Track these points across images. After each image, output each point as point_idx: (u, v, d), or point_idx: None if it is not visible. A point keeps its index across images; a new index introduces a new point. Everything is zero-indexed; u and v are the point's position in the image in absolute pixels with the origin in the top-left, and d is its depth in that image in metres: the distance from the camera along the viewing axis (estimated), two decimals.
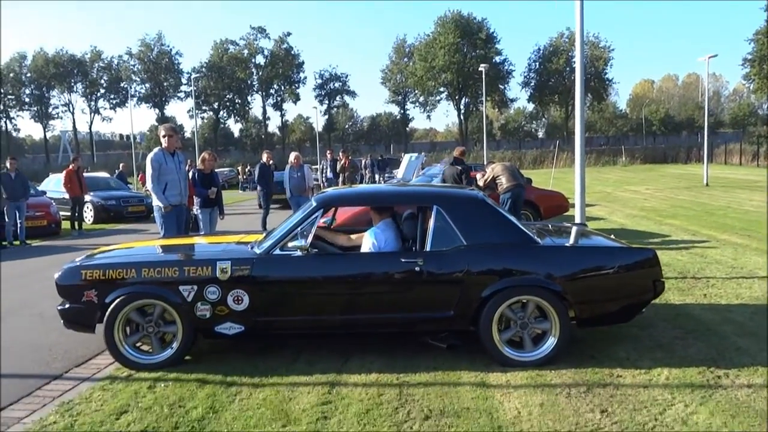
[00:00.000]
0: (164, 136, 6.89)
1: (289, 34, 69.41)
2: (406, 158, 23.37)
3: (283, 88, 70.50)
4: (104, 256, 4.85)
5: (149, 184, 6.86)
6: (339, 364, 4.37)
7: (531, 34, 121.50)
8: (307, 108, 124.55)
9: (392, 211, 4.92)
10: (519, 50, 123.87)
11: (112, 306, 4.27)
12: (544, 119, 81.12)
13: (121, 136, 79.63)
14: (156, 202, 6.84)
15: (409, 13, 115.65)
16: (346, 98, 74.66)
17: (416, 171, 20.37)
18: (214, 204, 8.38)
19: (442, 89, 64.08)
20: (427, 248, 4.35)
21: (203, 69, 64.99)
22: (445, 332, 4.55)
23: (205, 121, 70.58)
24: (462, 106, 65.78)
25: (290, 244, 4.34)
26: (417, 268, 4.23)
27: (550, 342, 4.21)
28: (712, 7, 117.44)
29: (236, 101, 69.69)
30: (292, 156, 12.01)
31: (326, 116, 72.86)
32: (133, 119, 77.59)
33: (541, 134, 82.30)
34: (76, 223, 13.80)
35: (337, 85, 72.79)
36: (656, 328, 4.94)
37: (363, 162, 29.95)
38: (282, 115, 73.51)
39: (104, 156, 67.80)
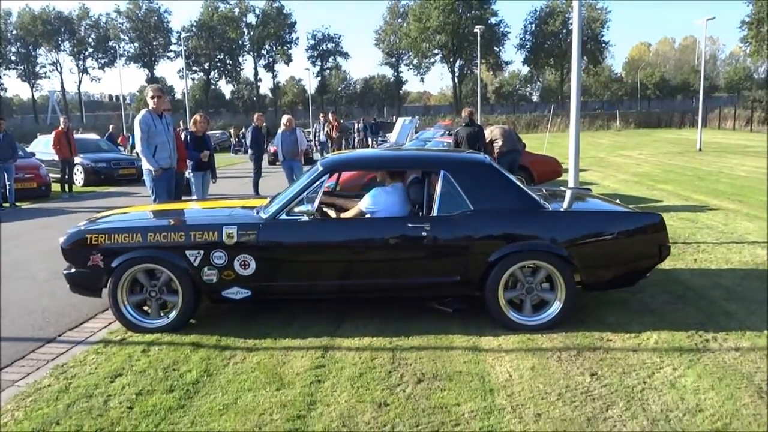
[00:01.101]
0: (152, 98, 6.75)
1: None
2: (399, 122, 23.14)
3: (275, 48, 69.27)
4: (109, 221, 4.81)
5: (138, 147, 6.75)
6: (332, 328, 4.40)
7: None
8: (300, 70, 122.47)
9: (403, 176, 4.91)
10: (515, 11, 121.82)
11: (117, 268, 4.28)
12: (538, 83, 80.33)
13: (110, 96, 78.46)
14: (146, 166, 6.75)
15: None
16: (339, 60, 73.65)
17: (410, 135, 20.19)
18: (206, 167, 8.30)
19: (436, 51, 63.22)
20: (434, 213, 4.33)
21: (193, 28, 63.63)
22: (450, 297, 4.58)
23: (196, 82, 69.48)
24: (456, 69, 65.01)
25: (296, 209, 4.31)
26: (424, 233, 4.22)
27: (556, 306, 4.25)
28: None
29: (227, 62, 68.49)
30: (285, 119, 11.84)
31: (319, 78, 71.85)
32: (122, 79, 76.54)
33: (535, 98, 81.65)
34: (66, 186, 13.69)
35: (330, 46, 71.62)
36: (646, 293, 4.99)
37: (356, 125, 29.73)
38: (274, 77, 72.46)
39: (93, 117, 66.84)
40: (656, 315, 4.48)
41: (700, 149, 22.22)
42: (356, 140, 29.73)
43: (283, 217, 4.35)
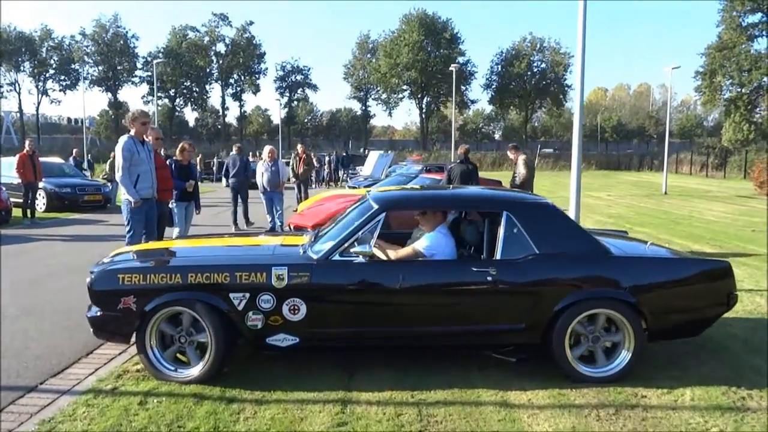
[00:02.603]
0: (143, 123, 6.37)
1: (251, 23, 68.19)
2: (373, 155, 23.15)
3: (243, 78, 69.20)
4: (141, 259, 4.37)
5: (119, 176, 6.31)
6: (345, 378, 4.08)
7: (494, 38, 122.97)
8: (267, 100, 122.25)
9: (446, 215, 4.63)
10: (482, 52, 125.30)
11: (150, 312, 3.89)
12: (501, 122, 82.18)
13: (69, 119, 76.48)
14: (125, 196, 6.33)
15: (373, 9, 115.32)
16: (308, 91, 73.95)
17: (385, 169, 20.15)
18: (190, 198, 7.92)
19: (405, 87, 64.19)
20: (498, 256, 4.08)
21: (160, 54, 63.01)
22: (511, 346, 4.26)
23: (160, 108, 68.51)
24: (424, 105, 66.02)
25: (352, 250, 3.96)
26: (489, 278, 3.96)
27: (623, 356, 4.04)
28: (665, 20, 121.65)
29: (194, 89, 67.88)
30: (267, 150, 11.60)
31: (286, 109, 71.82)
32: (84, 103, 74.41)
33: (497, 136, 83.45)
34: (28, 211, 12.96)
35: (298, 77, 71.91)
36: (663, 344, 4.80)
37: (327, 158, 29.58)
38: (241, 106, 72.17)
39: (50, 140, 64.90)
40: (682, 368, 4.31)
41: (665, 192, 22.82)
42: (326, 173, 29.57)
43: (337, 257, 4.00)
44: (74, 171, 17.53)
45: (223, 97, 69.78)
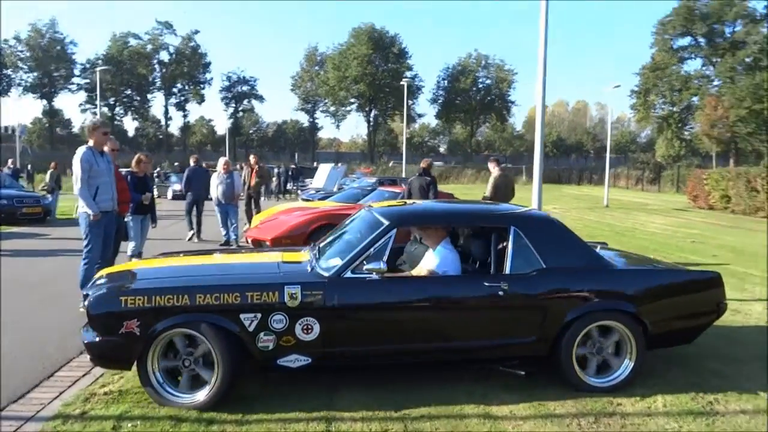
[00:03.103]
0: (104, 134, 6.14)
1: (197, 31, 66.87)
2: (323, 168, 23.09)
3: (187, 87, 67.69)
4: (140, 279, 4.05)
5: (77, 188, 6.05)
6: (326, 396, 4.01)
7: (440, 53, 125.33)
8: (212, 110, 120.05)
9: (449, 230, 4.62)
10: (429, 68, 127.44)
11: (156, 336, 3.66)
12: (447, 136, 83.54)
13: None
14: (83, 209, 6.06)
15: (320, 21, 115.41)
16: (254, 102, 73.09)
17: (337, 182, 20.11)
18: (146, 211, 7.66)
19: (353, 100, 64.43)
20: (507, 271, 4.12)
21: (99, 61, 60.91)
22: (518, 359, 4.27)
23: (98, 117, 66.12)
24: (371, 118, 66.43)
25: (365, 267, 3.88)
26: (501, 292, 3.99)
27: (626, 365, 4.16)
28: (601, 40, 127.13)
29: (135, 98, 65.90)
30: (221, 162, 11.40)
31: (232, 120, 70.73)
32: (16, 110, 71.37)
33: (443, 150, 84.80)
34: None
35: (244, 88, 71.00)
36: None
37: (276, 170, 29.23)
38: (185, 116, 70.54)
39: None
40: (648, 375, 4.43)
41: (607, 205, 23.73)
42: (275, 185, 29.20)
43: (349, 275, 3.90)
44: (10, 182, 16.66)
45: (166, 107, 68.11)
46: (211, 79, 69.45)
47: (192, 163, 12.33)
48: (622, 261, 4.87)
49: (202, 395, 3.75)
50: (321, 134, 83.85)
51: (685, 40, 49.09)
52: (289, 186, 28.87)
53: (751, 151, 46.34)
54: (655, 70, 49.32)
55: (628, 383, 4.15)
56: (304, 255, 4.60)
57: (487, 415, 3.75)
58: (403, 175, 29.78)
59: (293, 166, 30.41)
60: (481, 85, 65.88)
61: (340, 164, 24.51)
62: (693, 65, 55.40)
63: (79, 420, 3.59)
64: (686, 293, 4.46)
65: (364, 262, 3.91)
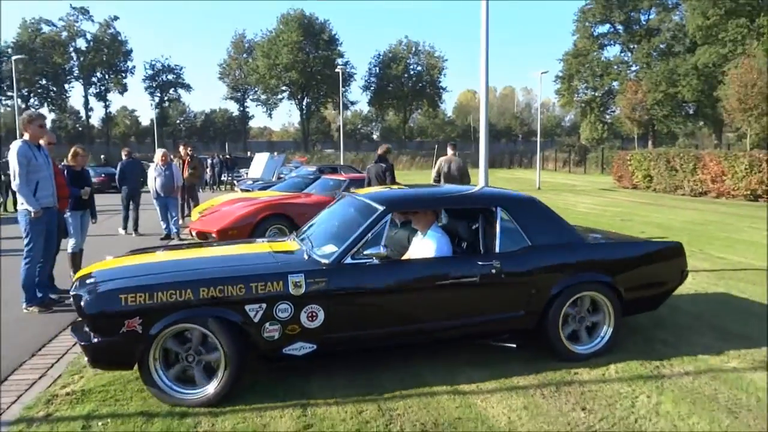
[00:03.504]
0: (40, 126, 5.86)
1: (116, 18, 63.71)
2: (260, 157, 22.64)
3: (107, 76, 64.53)
4: (136, 275, 3.85)
5: (15, 184, 5.77)
6: (300, 383, 4.05)
7: (371, 40, 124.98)
8: (135, 100, 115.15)
9: (437, 214, 4.74)
10: (360, 55, 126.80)
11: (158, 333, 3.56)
12: (379, 123, 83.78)
13: None
14: (23, 206, 5.79)
15: (247, 8, 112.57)
16: (181, 91, 70.64)
17: (276, 171, 19.85)
18: (86, 206, 7.34)
19: (284, 88, 63.41)
20: (497, 250, 4.32)
21: (9, 50, 57.05)
22: (508, 333, 4.45)
23: (9, 109, 62.05)
24: (304, 106, 65.66)
25: (365, 252, 3.95)
26: (493, 270, 4.18)
27: (605, 331, 4.50)
28: (525, 26, 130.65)
29: (51, 88, 62.22)
30: (159, 153, 11.05)
31: (157, 110, 68.11)
32: None
33: (376, 137, 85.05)
34: None
35: (170, 77, 68.44)
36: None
37: (209, 161, 28.44)
38: (106, 107, 67.29)
39: None
40: None
41: (539, 188, 24.61)
42: (208, 176, 28.39)
43: (349, 261, 3.96)
44: None
45: (86, 97, 64.70)
46: (133, 67, 66.68)
47: (124, 157, 11.97)
48: (595, 236, 5.23)
49: (209, 390, 3.69)
50: (252, 123, 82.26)
51: (605, 28, 51.31)
52: (223, 177, 28.18)
53: (667, 132, 49.16)
54: (577, 56, 51.26)
55: (608, 349, 4.49)
56: (292, 244, 4.59)
57: (455, 391, 3.90)
58: (341, 163, 29.76)
59: (228, 156, 29.59)
60: (412, 72, 66.36)
61: (277, 153, 24.09)
62: (612, 51, 58.19)
63: (44, 422, 3.48)
64: (654, 262, 4.84)
65: (363, 248, 3.98)
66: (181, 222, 11.63)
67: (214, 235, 8.98)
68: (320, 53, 60.25)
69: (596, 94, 51.52)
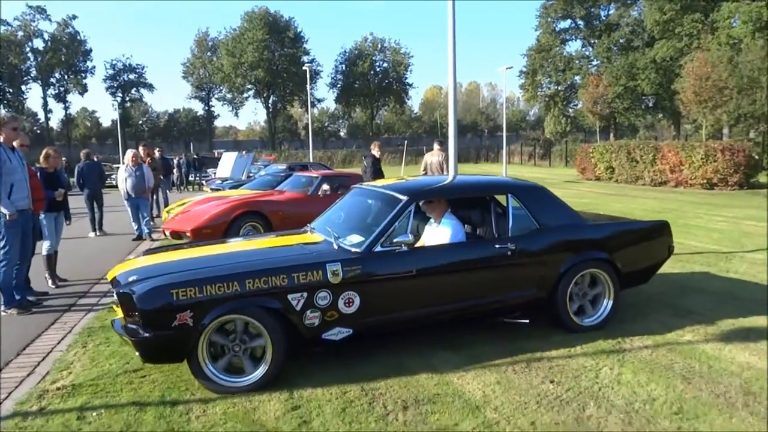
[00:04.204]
0: (13, 129, 5.90)
1: (74, 17, 62.19)
2: (228, 157, 22.54)
3: (67, 77, 63.01)
4: (183, 271, 3.98)
5: None
6: (285, 370, 4.22)
7: (336, 37, 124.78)
8: (96, 101, 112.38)
9: (450, 203, 5.00)
10: (325, 52, 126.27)
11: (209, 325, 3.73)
12: (346, 120, 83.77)
13: None
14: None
15: (209, 6, 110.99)
16: (143, 91, 69.42)
17: (245, 170, 19.83)
18: (59, 208, 7.36)
19: (250, 86, 62.87)
20: (509, 233, 4.68)
21: None
22: (520, 311, 4.77)
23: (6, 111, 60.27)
24: (270, 105, 65.22)
25: (395, 240, 4.22)
26: (509, 252, 4.53)
27: (606, 304, 4.93)
28: (491, 23, 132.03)
29: (7, 90, 60.44)
30: (129, 154, 11.03)
31: (119, 110, 66.81)
32: None
33: (343, 134, 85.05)
34: None
35: (131, 76, 67.21)
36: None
37: (175, 161, 28.15)
38: (66, 108, 65.70)
39: None
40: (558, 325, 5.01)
41: None
42: (176, 177, 28.11)
43: (379, 249, 4.21)
44: None
45: (44, 99, 63.06)
46: (93, 67, 65.32)
47: (83, 158, 11.95)
48: (591, 217, 5.63)
49: (256, 377, 3.88)
50: (217, 122, 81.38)
51: (566, 23, 52.21)
52: (191, 177, 27.96)
53: (628, 125, 50.44)
54: (540, 51, 52.11)
55: (610, 319, 4.92)
56: (314, 236, 4.80)
57: (433, 369, 4.15)
58: (310, 160, 29.77)
59: (195, 156, 29.37)
60: (378, 69, 66.51)
61: (245, 152, 23.99)
62: (574, 46, 59.24)
63: (39, 416, 3.60)
64: (646, 240, 5.30)
65: (398, 235, 4.26)
66: (152, 223, 11.66)
67: (188, 234, 9.06)
68: (286, 51, 59.95)
69: (559, 88, 52.48)
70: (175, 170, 27.84)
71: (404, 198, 4.49)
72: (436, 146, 10.79)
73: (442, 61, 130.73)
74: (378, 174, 9.95)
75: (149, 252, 4.99)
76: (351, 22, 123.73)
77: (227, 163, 21.74)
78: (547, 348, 4.51)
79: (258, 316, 3.84)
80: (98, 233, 11.59)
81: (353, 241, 4.37)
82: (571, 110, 53.85)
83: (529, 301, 4.72)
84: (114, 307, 4.34)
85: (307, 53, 62.23)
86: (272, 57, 59.26)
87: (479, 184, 5.69)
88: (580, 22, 51.15)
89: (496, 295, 4.62)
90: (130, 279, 3.99)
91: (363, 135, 76.43)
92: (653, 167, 20.70)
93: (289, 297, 3.89)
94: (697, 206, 14.10)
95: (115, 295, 4.01)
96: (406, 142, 24.53)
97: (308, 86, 30.08)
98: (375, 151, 10.33)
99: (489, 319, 4.86)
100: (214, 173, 24.23)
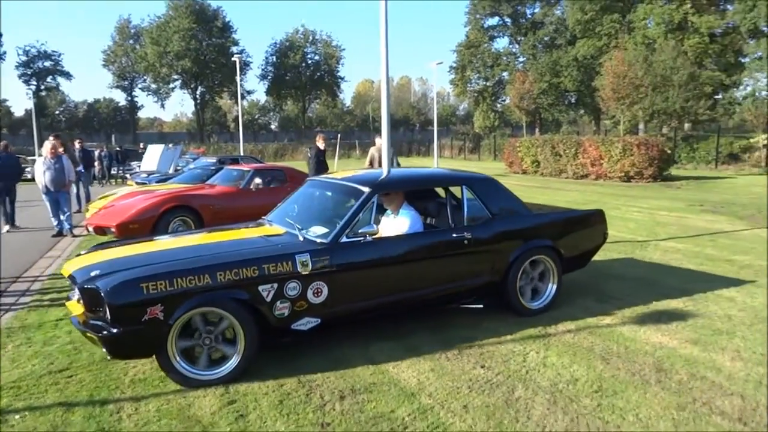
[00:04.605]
0: None
1: None
2: (153, 149, 21.76)
3: None
4: (150, 265, 3.87)
5: None
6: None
7: (266, 28, 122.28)
8: (7, 89, 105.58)
9: (405, 195, 5.10)
10: (255, 43, 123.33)
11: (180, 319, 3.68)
12: (277, 113, 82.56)
13: None
14: None
15: None
16: (60, 80, 65.74)
17: (173, 163, 19.22)
18: None
19: (176, 77, 60.73)
20: (464, 223, 4.89)
21: None
22: (473, 297, 5.01)
23: None
24: (198, 96, 63.29)
25: (360, 231, 4.30)
26: (466, 241, 4.76)
27: (550, 288, 5.29)
28: (422, 18, 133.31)
29: None
30: (48, 146, 10.46)
31: (33, 99, 62.97)
32: None
33: (274, 127, 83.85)
34: None
35: (47, 64, 63.47)
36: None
37: (98, 153, 26.90)
38: None
39: None
40: (496, 317, 5.17)
41: None
42: (97, 170, 26.86)
43: (344, 239, 4.29)
44: None
45: None
46: (5, 53, 61.28)
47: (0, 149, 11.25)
48: (534, 207, 5.90)
49: (228, 369, 3.88)
50: (141, 113, 78.23)
51: (494, 20, 53.58)
52: (113, 170, 26.76)
53: (552, 120, 52.40)
54: (469, 47, 53.22)
55: (554, 302, 5.27)
56: (274, 228, 4.79)
57: (369, 359, 4.22)
58: (242, 153, 29.18)
59: (118, 148, 28.10)
60: (310, 61, 65.83)
61: (173, 144, 23.20)
62: (502, 43, 60.87)
63: None
64: (585, 227, 5.70)
65: (362, 226, 4.35)
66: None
67: (113, 230, 8.72)
68: (214, 41, 58.33)
69: (488, 84, 53.79)
70: (96, 163, 26.63)
71: (367, 190, 4.60)
72: (378, 140, 10.82)
73: (373, 55, 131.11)
74: (321, 166, 9.86)
75: (100, 247, 4.78)
76: (281, 14, 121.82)
77: (153, 155, 21.00)
78: (478, 335, 4.69)
79: (229, 308, 3.84)
80: (10, 229, 10.97)
81: (318, 232, 4.45)
82: (499, 105, 55.34)
83: (483, 286, 4.96)
84: (68, 303, 4.22)
85: (236, 44, 60.81)
86: (200, 47, 57.51)
87: (437, 176, 5.95)
88: (508, 20, 52.61)
89: (455, 281, 4.83)
90: (93, 274, 3.87)
91: (295, 128, 75.60)
92: (575, 161, 21.63)
93: (260, 288, 3.92)
94: (615, 198, 14.88)
95: (76, 290, 3.89)
96: (339, 135, 24.40)
97: (238, 77, 29.35)
98: (320, 143, 10.25)
99: (447, 306, 5.07)
100: (139, 166, 23.34)
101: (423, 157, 49.12)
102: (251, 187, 10.00)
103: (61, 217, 10.42)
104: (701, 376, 3.85)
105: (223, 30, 59.39)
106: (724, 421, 3.26)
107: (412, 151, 54.23)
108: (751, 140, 25.29)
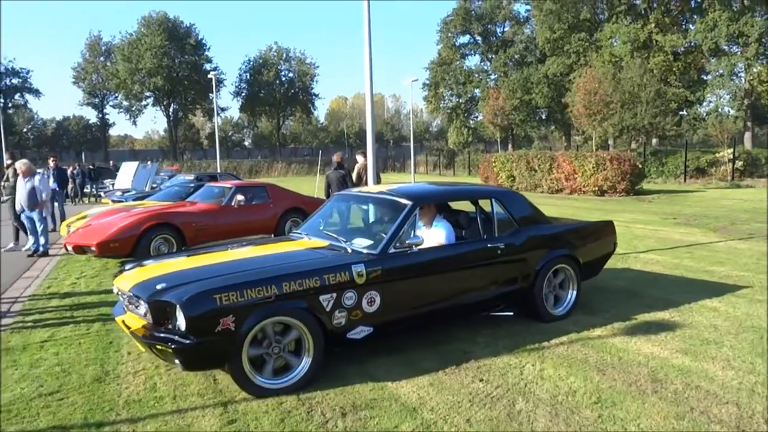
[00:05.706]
0: None
1: None
2: (128, 167, 21.48)
3: None
4: (218, 277, 3.99)
5: None
6: (209, 382, 4.13)
7: (239, 45, 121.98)
8: None
9: (438, 208, 5.37)
10: (228, 60, 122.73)
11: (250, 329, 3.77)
12: (251, 130, 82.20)
13: None
14: None
15: (101, 8, 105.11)
16: (28, 97, 64.48)
17: (149, 180, 18.97)
18: None
19: (149, 94, 60.10)
20: (495, 234, 5.14)
21: None
22: (502, 305, 5.22)
23: None
24: (171, 113, 62.69)
25: (407, 242, 4.48)
26: (499, 251, 4.99)
27: (571, 295, 5.57)
28: (396, 36, 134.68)
29: None
30: (21, 164, 10.22)
31: (0, 117, 61.64)
32: None
33: (248, 143, 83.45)
34: None
35: (15, 81, 62.25)
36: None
37: (70, 171, 26.41)
38: None
39: None
40: (492, 327, 5.26)
41: None
42: (70, 188, 26.35)
43: (392, 250, 4.45)
44: None
45: None
46: None
47: None
48: (554, 220, 6.18)
49: (298, 376, 3.99)
50: (112, 131, 77.10)
51: (465, 38, 54.42)
52: (86, 189, 26.28)
53: (524, 136, 53.21)
54: (442, 65, 53.89)
55: (575, 308, 5.55)
56: (313, 241, 4.92)
57: (368, 375, 4.21)
58: (218, 170, 28.96)
59: (91, 166, 27.60)
60: (284, 78, 65.88)
61: (150, 161, 22.94)
62: (473, 61, 61.75)
63: None
64: (597, 237, 6.02)
65: (408, 237, 4.55)
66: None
67: (93, 248, 8.57)
68: (186, 58, 58.00)
69: (460, 100, 54.43)
70: (69, 181, 26.13)
71: (409, 203, 4.79)
72: (360, 158, 10.83)
73: (346, 72, 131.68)
74: (347, 182, 10.33)
75: (137, 264, 4.73)
76: (254, 30, 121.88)
77: (127, 173, 20.72)
78: (474, 349, 4.71)
79: (298, 317, 3.95)
80: None
81: (363, 244, 4.62)
82: (472, 122, 55.99)
83: (513, 293, 5.18)
84: (118, 318, 4.31)
85: (209, 61, 60.64)
86: (172, 64, 57.11)
87: (468, 189, 6.26)
88: (479, 38, 53.49)
89: (491, 288, 5.06)
90: (158, 287, 3.91)
91: (269, 145, 75.34)
92: (550, 176, 21.99)
93: (320, 298, 4.05)
94: (590, 212, 15.14)
95: (145, 304, 3.88)
96: (321, 152, 24.53)
97: (215, 94, 29.34)
98: (339, 160, 10.69)
99: (480, 314, 5.27)
100: (112, 184, 22.98)
101: (399, 172, 49.42)
102: (233, 204, 9.93)
103: (38, 236, 10.19)
104: (695, 385, 3.93)
105: (195, 47, 59.14)
106: (723, 429, 3.34)
107: (387, 167, 54.46)
108: (717, 155, 26.07)
